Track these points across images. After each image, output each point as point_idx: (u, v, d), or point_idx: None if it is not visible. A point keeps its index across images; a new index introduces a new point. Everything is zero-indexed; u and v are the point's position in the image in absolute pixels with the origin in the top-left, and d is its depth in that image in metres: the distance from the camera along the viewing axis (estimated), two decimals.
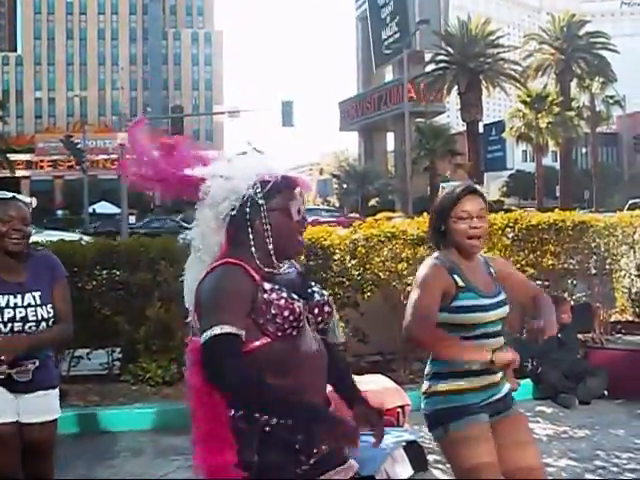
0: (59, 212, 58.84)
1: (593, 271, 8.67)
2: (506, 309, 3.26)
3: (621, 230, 8.74)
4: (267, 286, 2.44)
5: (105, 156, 70.13)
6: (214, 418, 2.42)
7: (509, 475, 3.13)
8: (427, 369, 3.30)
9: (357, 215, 41.52)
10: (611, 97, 59.98)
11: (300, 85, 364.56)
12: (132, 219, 46.70)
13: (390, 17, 65.72)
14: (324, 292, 2.66)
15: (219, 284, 2.42)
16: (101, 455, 5.76)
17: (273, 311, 2.41)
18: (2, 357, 3.40)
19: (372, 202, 57.31)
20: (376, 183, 58.99)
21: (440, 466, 5.00)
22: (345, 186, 63.91)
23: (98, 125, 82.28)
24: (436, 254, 3.27)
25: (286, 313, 2.41)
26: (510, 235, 7.97)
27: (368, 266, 7.44)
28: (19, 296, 3.51)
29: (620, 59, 55.87)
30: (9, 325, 3.47)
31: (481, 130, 53.09)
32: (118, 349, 7.33)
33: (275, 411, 2.38)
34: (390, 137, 67.93)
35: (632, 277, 9.03)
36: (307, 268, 6.67)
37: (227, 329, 2.32)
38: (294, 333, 2.44)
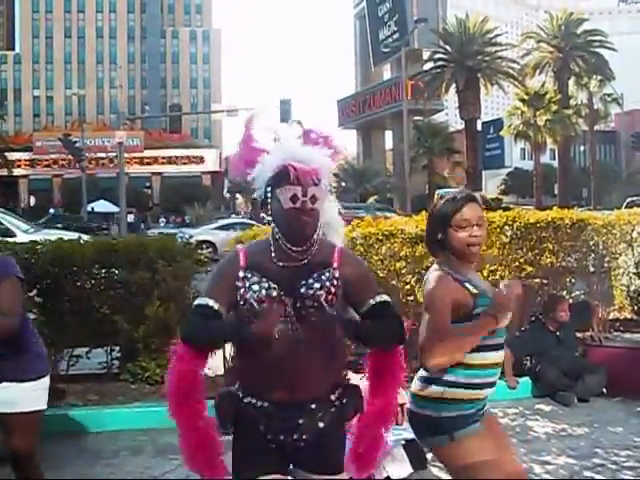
0: (51, 210, 58.40)
1: (591, 269, 8.67)
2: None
3: (619, 228, 8.74)
4: (241, 274, 2.80)
5: (103, 154, 69.96)
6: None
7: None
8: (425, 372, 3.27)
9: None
10: (609, 95, 59.99)
11: (298, 83, 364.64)
12: (130, 218, 46.76)
13: (388, 15, 65.72)
14: (318, 286, 2.78)
15: (217, 265, 2.95)
16: (100, 454, 5.75)
17: (246, 296, 2.78)
18: None
19: (370, 200, 57.25)
20: (374, 181, 58.92)
21: (439, 464, 4.99)
22: (343, 184, 63.87)
23: (96, 123, 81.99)
24: (438, 263, 3.26)
25: (252, 302, 2.76)
26: (508, 233, 7.96)
27: (366, 264, 7.43)
28: None
29: (618, 57, 55.82)
30: None
31: (479, 128, 53.12)
32: (117, 348, 7.31)
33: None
34: (388, 135, 68.00)
35: (630, 275, 9.03)
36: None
37: (204, 301, 2.82)
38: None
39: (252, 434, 2.87)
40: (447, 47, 49.45)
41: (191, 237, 19.71)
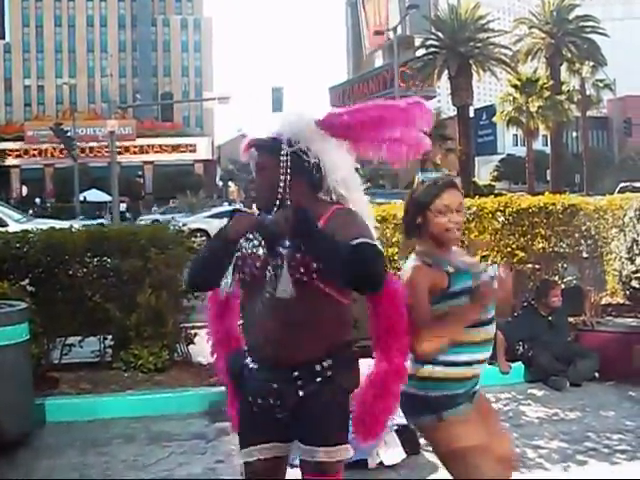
0: (37, 200, 58.12)
1: (584, 254, 8.68)
2: None
3: (611, 213, 8.74)
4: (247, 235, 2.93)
5: (95, 143, 69.70)
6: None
7: None
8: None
9: None
10: (601, 81, 59.99)
11: (290, 71, 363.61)
12: (123, 206, 46.64)
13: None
14: (290, 244, 2.78)
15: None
16: (93, 442, 5.75)
17: (237, 254, 2.92)
18: None
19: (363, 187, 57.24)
20: (366, 168, 58.90)
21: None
22: None
23: (88, 112, 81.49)
24: (415, 253, 3.28)
25: (243, 260, 2.91)
26: (500, 219, 7.97)
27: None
28: None
29: (610, 43, 55.80)
30: None
31: (472, 114, 53.00)
32: (110, 336, 7.30)
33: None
34: None
35: (622, 260, 9.04)
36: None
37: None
38: (247, 279, 2.90)
39: (245, 397, 2.95)
40: (439, 34, 49.27)
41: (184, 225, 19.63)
